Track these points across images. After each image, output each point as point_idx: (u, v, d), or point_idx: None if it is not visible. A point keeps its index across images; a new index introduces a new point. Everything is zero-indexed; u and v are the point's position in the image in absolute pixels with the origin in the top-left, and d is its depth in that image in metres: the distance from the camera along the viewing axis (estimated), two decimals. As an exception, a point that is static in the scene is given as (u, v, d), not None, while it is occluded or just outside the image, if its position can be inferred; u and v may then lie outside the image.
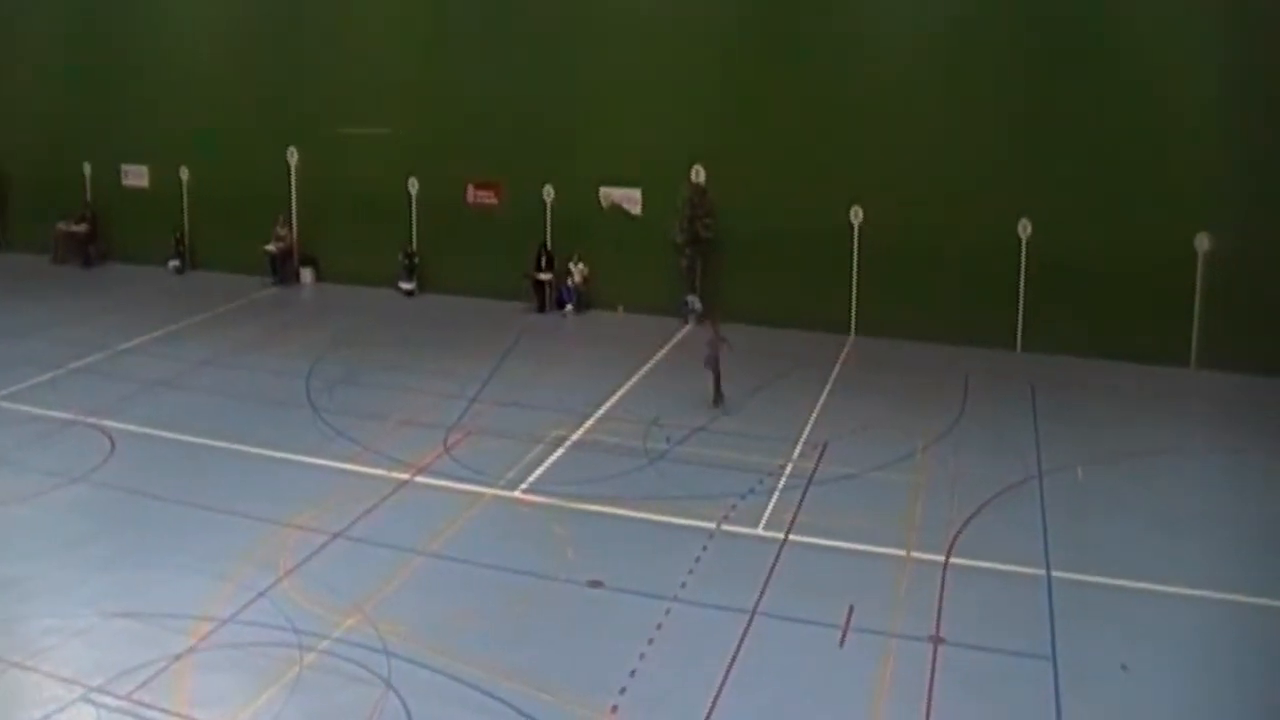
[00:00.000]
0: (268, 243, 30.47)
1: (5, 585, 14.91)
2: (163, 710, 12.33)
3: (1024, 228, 24.09)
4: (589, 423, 20.16)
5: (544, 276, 27.65)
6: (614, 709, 12.29)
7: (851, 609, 14.10)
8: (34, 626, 13.91)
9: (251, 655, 13.29)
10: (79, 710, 12.37)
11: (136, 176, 32.98)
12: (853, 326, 25.43)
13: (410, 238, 29.37)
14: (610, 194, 27.38)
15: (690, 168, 26.44)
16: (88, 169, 33.52)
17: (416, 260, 29.24)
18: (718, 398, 16.41)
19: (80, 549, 15.83)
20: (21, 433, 19.99)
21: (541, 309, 27.52)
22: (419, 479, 17.89)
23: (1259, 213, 22.57)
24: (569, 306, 27.44)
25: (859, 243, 25.27)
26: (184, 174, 32.13)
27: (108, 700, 12.50)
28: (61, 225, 33.17)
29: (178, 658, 13.24)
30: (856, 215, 25.27)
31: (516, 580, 14.89)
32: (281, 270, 30.53)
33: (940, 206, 24.43)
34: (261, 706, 12.39)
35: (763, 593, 14.55)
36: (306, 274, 30.66)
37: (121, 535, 16.21)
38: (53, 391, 22.05)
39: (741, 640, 13.53)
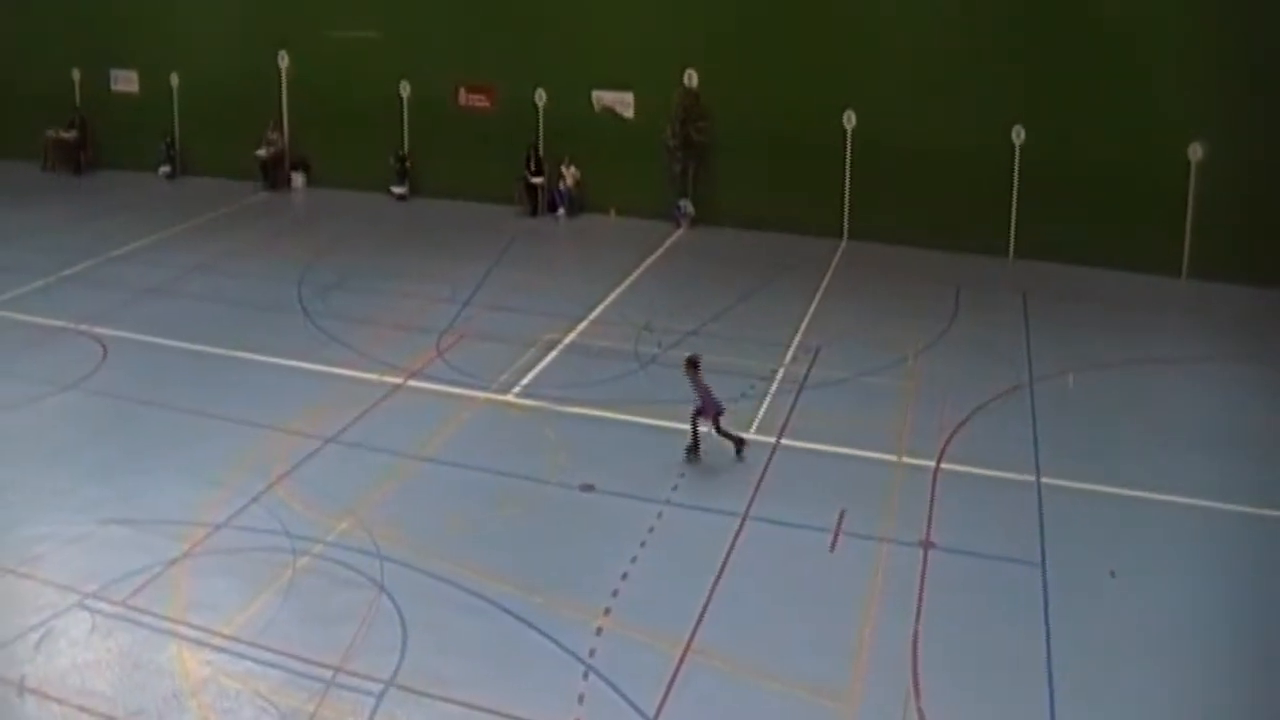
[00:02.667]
0: (259, 148, 30.01)
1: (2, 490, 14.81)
2: (158, 615, 12.27)
3: (1018, 134, 23.72)
4: (581, 326, 19.98)
5: (536, 180, 27.29)
6: (607, 611, 12.25)
7: (843, 513, 14.05)
8: (27, 534, 13.81)
9: (245, 560, 13.23)
10: (75, 616, 12.31)
11: (126, 82, 32.35)
12: (845, 231, 25.15)
13: (402, 142, 28.94)
14: (602, 97, 26.94)
15: (683, 71, 25.97)
16: (77, 75, 32.87)
17: (408, 164, 28.83)
18: (693, 452, 15.43)
19: (72, 456, 15.70)
20: (12, 340, 19.76)
21: (534, 213, 27.21)
22: (411, 383, 17.73)
23: (1250, 124, 22.18)
24: (561, 210, 27.13)
25: (852, 147, 24.91)
26: (174, 79, 31.54)
27: (103, 606, 12.44)
28: (51, 132, 32.58)
29: (172, 563, 13.16)
30: (850, 119, 24.88)
31: (509, 484, 14.79)
32: (272, 175, 30.10)
33: (935, 113, 24.03)
34: (256, 610, 12.34)
35: (754, 497, 14.48)
36: (297, 179, 30.24)
37: (113, 442, 16.07)
38: (44, 299, 21.77)
39: (733, 544, 13.49)
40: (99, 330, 20.04)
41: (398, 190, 28.79)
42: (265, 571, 12.98)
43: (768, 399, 17.14)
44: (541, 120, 27.58)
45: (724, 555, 13.25)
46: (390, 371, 18.09)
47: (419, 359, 18.59)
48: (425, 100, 28.69)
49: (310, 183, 30.13)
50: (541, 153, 27.44)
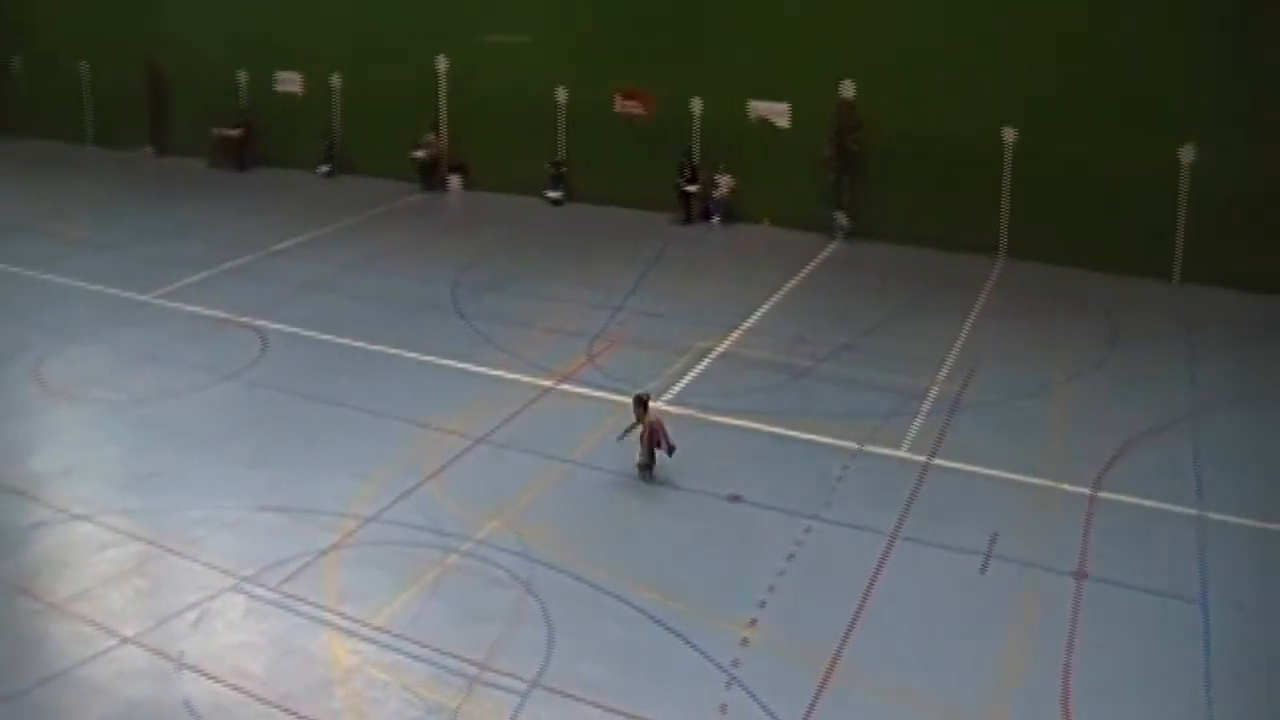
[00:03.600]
0: (416, 150, 30.65)
1: (159, 475, 15.43)
2: (310, 603, 12.62)
3: (1187, 154, 23.03)
4: (734, 336, 19.95)
5: (690, 188, 27.34)
6: (752, 623, 12.23)
7: (994, 537, 13.80)
8: (187, 516, 14.35)
9: (395, 554, 13.52)
10: (231, 598, 12.73)
11: (289, 83, 33.40)
12: (1002, 249, 24.69)
13: (557, 147, 29.28)
14: (757, 107, 26.91)
15: (839, 82, 25.80)
16: (243, 76, 34.05)
17: (564, 169, 29.15)
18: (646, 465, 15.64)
19: (230, 444, 16.27)
20: (177, 329, 20.57)
21: (687, 220, 27.25)
22: (563, 386, 17.94)
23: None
24: (715, 219, 27.13)
25: (1010, 163, 24.46)
26: (335, 81, 32.43)
27: (258, 590, 12.84)
28: (217, 130, 33.83)
29: (324, 553, 13.52)
30: (1009, 134, 24.43)
31: (657, 491, 14.87)
32: (429, 177, 30.73)
33: (1099, 130, 23.45)
34: (405, 604, 12.60)
35: (904, 516, 14.32)
36: (454, 181, 30.79)
37: (270, 432, 16.62)
38: (207, 290, 22.63)
39: (881, 562, 13.35)
40: (259, 323, 20.70)
41: (553, 195, 29.13)
42: (414, 566, 13.25)
43: (920, 417, 16.91)
44: (697, 128, 27.66)
45: (872, 574, 13.13)
46: (542, 374, 18.32)
47: (571, 363, 18.80)
48: (581, 106, 29.00)
49: (467, 185, 30.66)
50: (696, 161, 27.52)
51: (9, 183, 32.84)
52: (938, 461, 15.64)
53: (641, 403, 15.34)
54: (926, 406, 17.28)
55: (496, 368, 18.57)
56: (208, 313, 21.31)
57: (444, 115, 30.93)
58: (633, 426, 15.23)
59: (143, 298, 22.29)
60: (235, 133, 33.65)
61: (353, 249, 25.35)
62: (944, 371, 18.53)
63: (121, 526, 14.17)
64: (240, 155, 33.55)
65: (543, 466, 15.47)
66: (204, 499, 14.75)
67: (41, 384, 18.40)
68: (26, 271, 24.03)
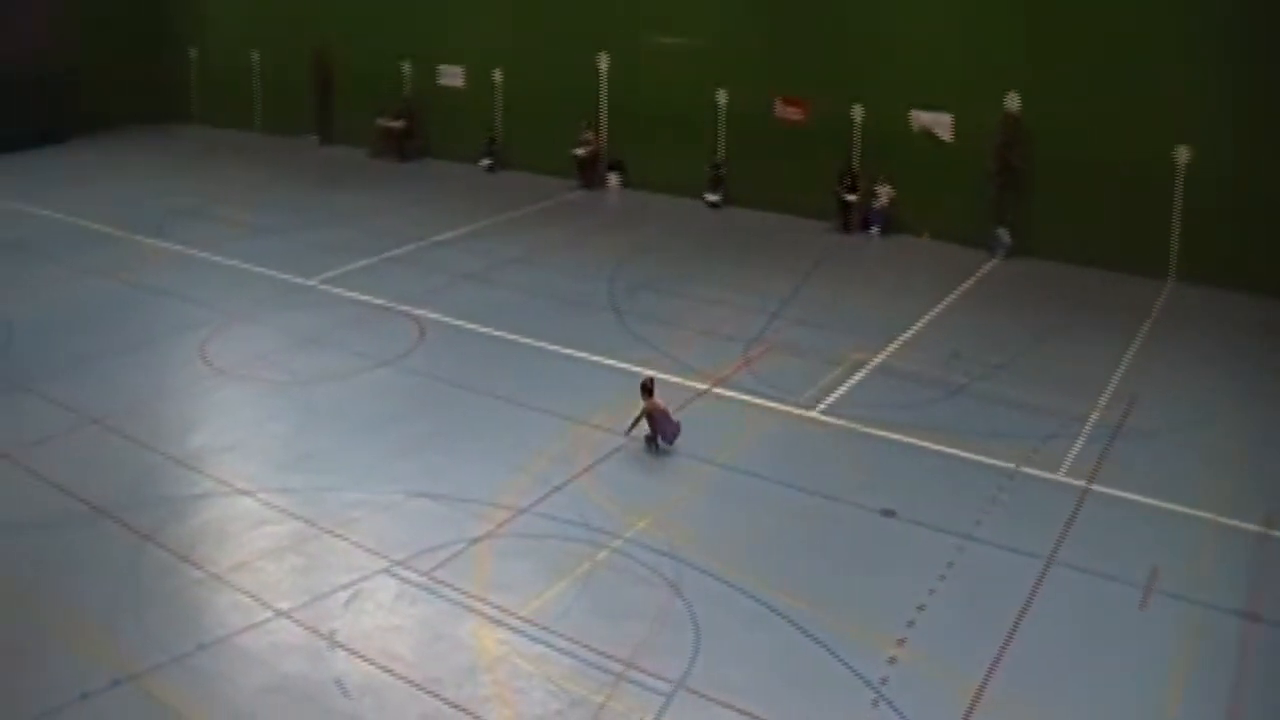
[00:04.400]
0: (576, 147, 30.96)
1: (318, 456, 15.88)
2: (460, 590, 12.84)
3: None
4: (889, 349, 19.71)
5: (850, 197, 27.09)
6: (901, 641, 12.07)
7: (1156, 571, 13.39)
8: (342, 499, 14.72)
9: (545, 546, 13.67)
10: (382, 581, 13.02)
11: (452, 77, 34.04)
12: (1171, 272, 23.96)
13: (716, 149, 29.29)
14: (920, 117, 26.55)
15: (1004, 95, 25.32)
16: (407, 68, 34.79)
17: (723, 172, 29.15)
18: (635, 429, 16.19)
19: (387, 429, 16.66)
20: (339, 315, 21.12)
21: (846, 229, 27.01)
22: (717, 390, 17.95)
23: None
24: (874, 229, 26.85)
25: (1182, 184, 23.72)
26: (497, 76, 32.94)
27: (409, 575, 13.10)
28: (380, 121, 34.64)
29: (475, 541, 13.74)
30: (1181, 155, 23.70)
31: (808, 501, 14.77)
32: (588, 174, 31.02)
33: (1277, 149, 22.61)
34: (553, 597, 12.73)
35: (1061, 541, 13.98)
36: (612, 179, 31.05)
37: (424, 419, 16.97)
38: (369, 277, 23.21)
39: (1035, 588, 13.06)
40: (417, 312, 21.14)
41: (711, 198, 29.15)
42: (564, 560, 13.38)
43: (1079, 441, 16.47)
44: (857, 137, 27.42)
45: (1026, 598, 12.85)
46: (696, 376, 18.35)
47: (725, 367, 18.79)
48: (741, 110, 28.95)
49: (624, 184, 30.90)
50: (857, 169, 27.26)
51: (184, 168, 34.10)
52: (1097, 488, 15.23)
53: (645, 389, 16.10)
54: (1087, 430, 16.83)
55: (651, 366, 18.57)
56: (369, 299, 21.84)
57: (603, 114, 31.21)
58: (640, 416, 16.02)
59: (307, 282, 22.96)
60: (398, 124, 34.43)
61: (512, 243, 25.74)
62: (1106, 396, 18.04)
63: (280, 504, 14.61)
64: (402, 146, 34.30)
65: (694, 468, 15.49)
66: (360, 482, 15.12)
67: (208, 362, 19.06)
68: (198, 253, 24.95)
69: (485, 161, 32.85)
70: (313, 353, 19.45)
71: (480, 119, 33.16)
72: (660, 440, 15.99)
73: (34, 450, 15.99)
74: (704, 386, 18.03)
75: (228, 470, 15.49)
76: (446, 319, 20.81)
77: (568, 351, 19.39)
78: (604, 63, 30.91)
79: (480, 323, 20.63)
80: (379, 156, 34.57)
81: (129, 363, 19.06)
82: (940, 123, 26.33)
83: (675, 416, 16.24)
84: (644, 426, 16.04)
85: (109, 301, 22.01)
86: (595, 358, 19.12)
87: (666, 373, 18.36)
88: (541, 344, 19.68)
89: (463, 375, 18.43)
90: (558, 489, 14.88)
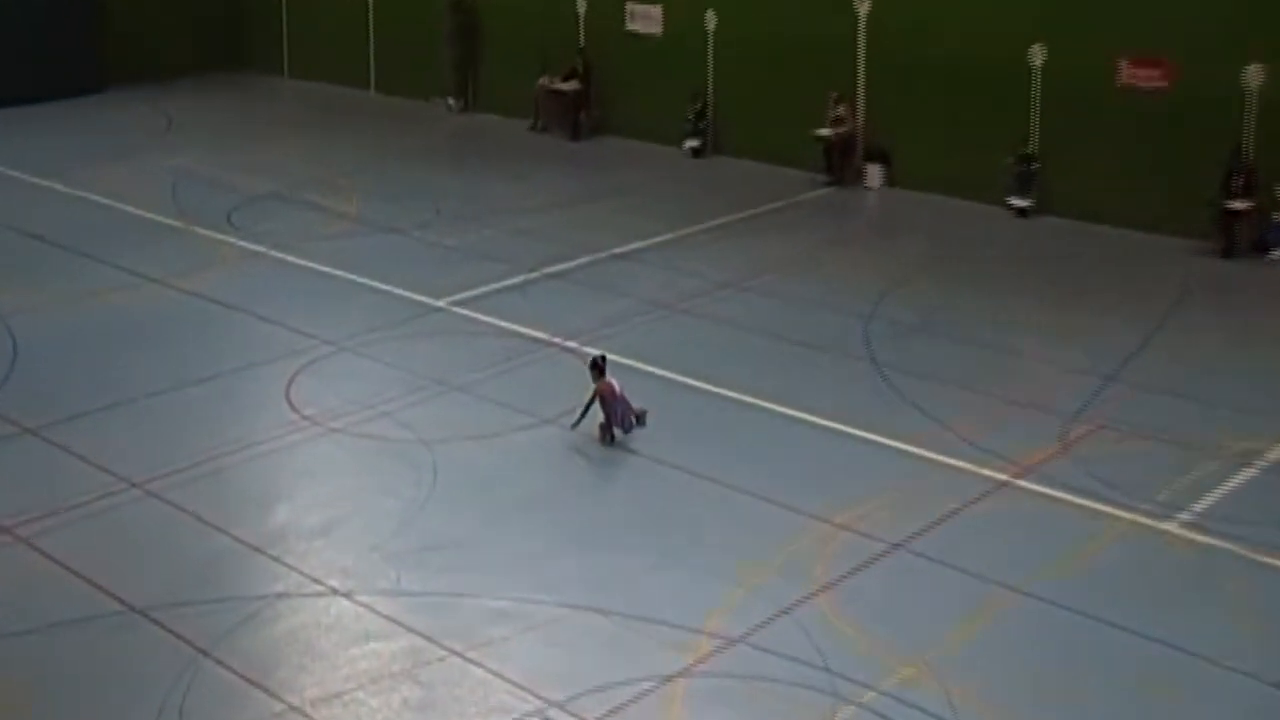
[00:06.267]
0: (822, 126, 31.09)
1: (443, 548, 16.17)
2: (642, 749, 12.92)
3: None
4: (1292, 438, 19.25)
5: (1239, 205, 26.41)
6: None
7: None
8: (480, 607, 14.93)
9: (765, 693, 13.62)
10: (533, 730, 13.17)
11: (645, 19, 34.52)
12: None
13: (1028, 133, 29.06)
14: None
15: None
16: (581, 6, 35.45)
17: (1035, 166, 28.90)
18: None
19: (544, 513, 16.90)
20: (482, 350, 21.58)
21: (1229, 251, 26.14)
22: (1022, 483, 17.70)
23: None
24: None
25: None
26: (709, 20, 33.34)
27: (570, 723, 13.23)
28: (544, 81, 35.37)
29: (665, 681, 13.77)
30: None
31: (1159, 656, 14.38)
32: (839, 165, 31.13)
33: None
34: (776, 772, 12.73)
35: None
36: (873, 173, 31.12)
37: (603, 503, 17.24)
38: (522, 300, 23.77)
39: None
40: (590, 351, 21.29)
41: (1018, 202, 28.92)
42: (793, 715, 13.32)
43: None
44: (1251, 116, 26.84)
45: None
46: (991, 462, 18.14)
47: (1035, 450, 18.53)
48: (1066, 73, 28.59)
49: (889, 180, 30.96)
50: (1251, 163, 26.54)
51: (266, 137, 35.52)
52: None
53: (595, 367, 18.34)
54: None
55: (923, 445, 18.52)
56: (521, 330, 22.27)
57: (862, 80, 31.34)
58: (591, 400, 18.16)
59: (435, 302, 23.56)
60: (568, 86, 35.03)
61: (726, 259, 25.99)
62: None
63: (391, 611, 14.87)
64: (575, 117, 34.90)
65: (985, 594, 15.27)
66: (506, 585, 15.31)
67: (296, 408, 19.64)
68: (283, 255, 25.86)
69: (691, 143, 33.30)
70: (441, 401, 19.89)
71: (685, 81, 33.55)
72: (616, 428, 17.94)
73: (46, 524, 16.58)
74: (1002, 477, 17.81)
75: (319, 561, 15.86)
76: (630, 363, 20.91)
77: (803, 417, 19.40)
78: (864, 6, 31.06)
79: (677, 370, 20.81)
80: (541, 131, 35.31)
81: (184, 405, 19.77)
82: None
83: (637, 404, 18.34)
84: (597, 415, 17.94)
85: (158, 319, 22.96)
86: (843, 428, 19.07)
87: (948, 454, 18.26)
88: (765, 404, 19.75)
89: (654, 442, 18.56)
90: (785, 612, 14.82)
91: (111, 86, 39.20)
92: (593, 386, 18.45)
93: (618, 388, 18.57)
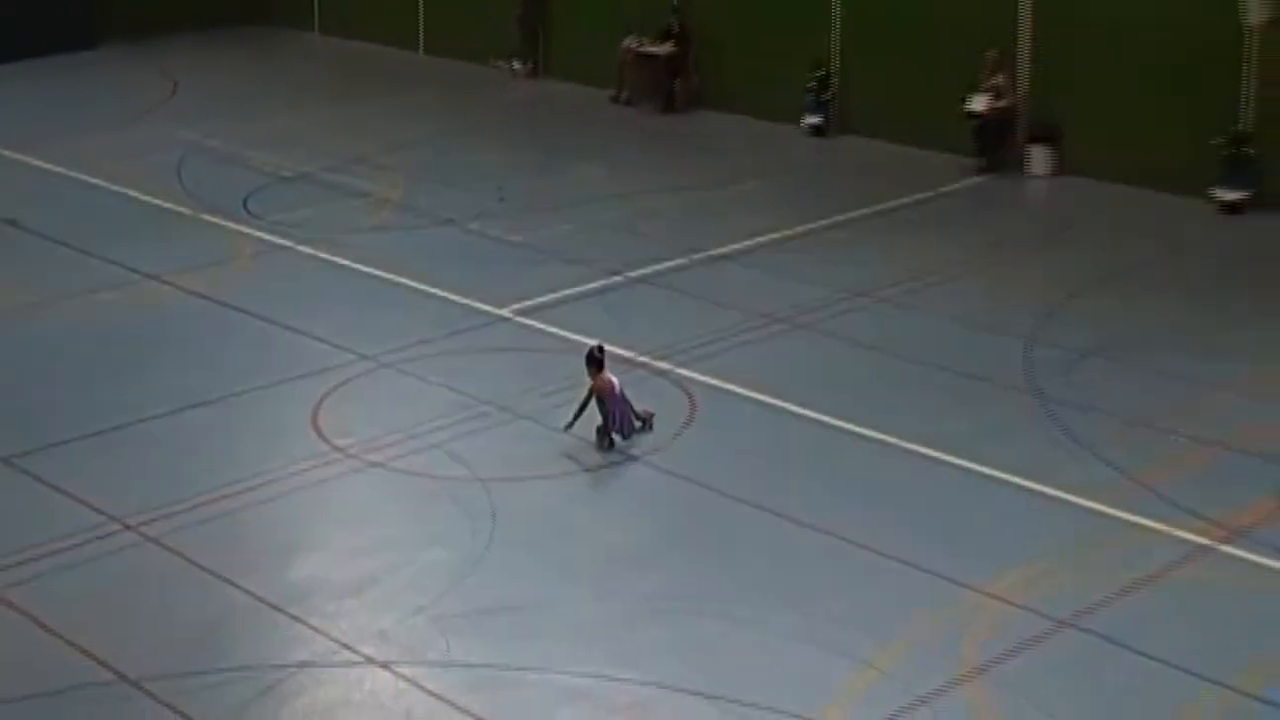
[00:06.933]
0: (974, 99, 31.00)
1: (502, 611, 16.14)
2: None
3: None
4: None
5: None
6: None
7: None
8: (549, 684, 14.90)
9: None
10: None
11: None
12: None
13: (1237, 107, 28.80)
14: None
15: None
16: (678, -47, 35.57)
17: (1249, 151, 28.54)
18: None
19: (628, 569, 16.84)
20: (553, 370, 21.53)
21: None
22: (1228, 548, 17.48)
23: None
24: None
25: None
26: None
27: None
28: (631, 43, 35.54)
29: (780, 789, 13.76)
30: None
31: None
32: (995, 147, 31.04)
33: None
34: None
35: None
36: (1039, 157, 30.98)
37: (693, 559, 17.07)
38: (601, 310, 23.86)
39: None
40: (683, 371, 21.44)
41: (1225, 195, 28.58)
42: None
43: None
44: None
45: None
46: (1188, 522, 17.91)
47: (1246, 508, 18.26)
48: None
49: (1060, 165, 30.82)
50: None
51: (293, 105, 35.80)
52: None
53: (593, 360, 19.15)
54: None
55: (1100, 498, 18.35)
56: (611, 349, 22.12)
57: (1026, 41, 31.27)
58: (587, 399, 19.07)
59: (496, 311, 23.66)
60: (661, 49, 35.12)
61: (855, 264, 25.98)
62: None
63: (439, 687, 14.83)
64: (668, 86, 35.00)
65: (1178, 690, 15.10)
66: (582, 657, 15.25)
67: (325, 437, 19.71)
68: (313, 250, 26.02)
69: (810, 119, 33.32)
70: (503, 431, 19.94)
71: (803, 44, 33.67)
72: (615, 433, 18.65)
73: (19, 574, 16.65)
74: (1202, 540, 17.60)
75: (351, 624, 15.83)
76: (734, 389, 21.06)
77: (948, 460, 19.28)
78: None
79: (794, 400, 20.72)
80: (626, 103, 35.46)
81: (189, 431, 19.92)
82: None
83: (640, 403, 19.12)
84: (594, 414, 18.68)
85: (157, 326, 23.22)
86: (1000, 474, 18.92)
87: (1133, 510, 18.10)
88: (901, 443, 19.64)
89: (758, 484, 18.50)
90: (923, 701, 14.69)
91: (106, 41, 39.53)
92: (589, 383, 19.15)
93: (618, 385, 19.38)
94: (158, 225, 27.30)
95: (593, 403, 19.35)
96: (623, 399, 19.37)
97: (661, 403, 20.47)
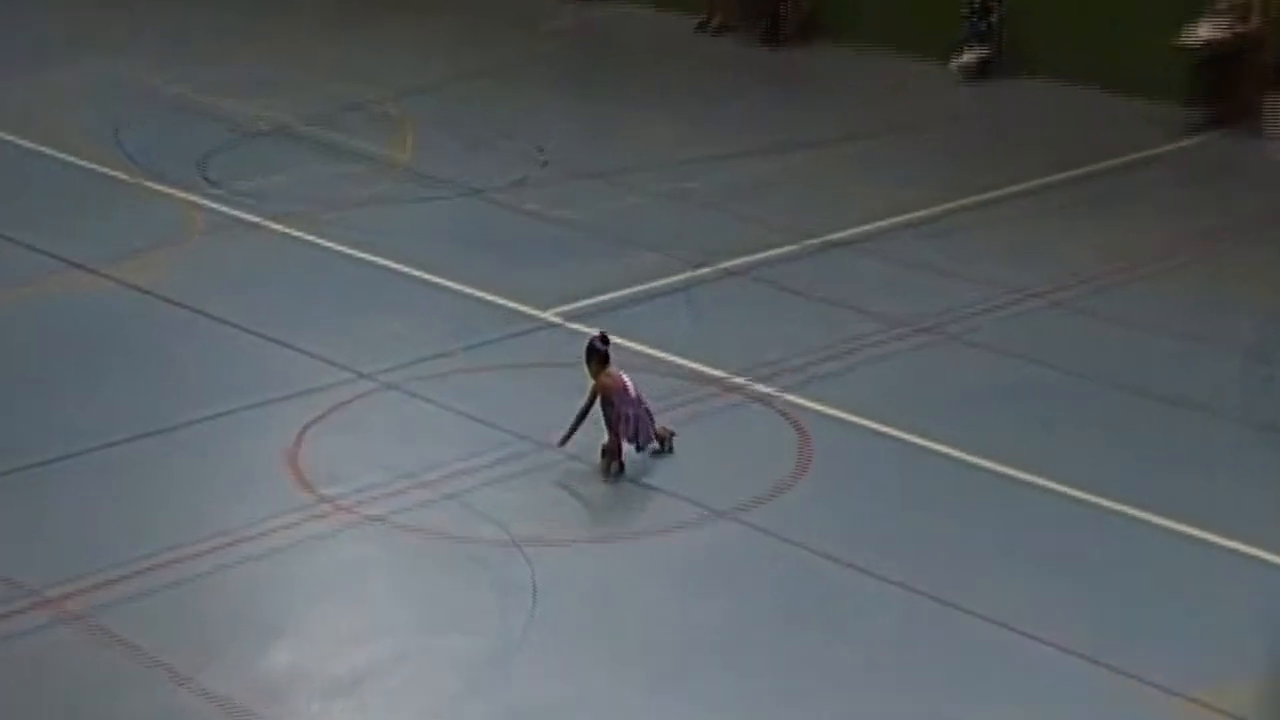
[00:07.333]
0: (1194, 30, 31.02)
1: (552, 709, 16.10)
2: None
3: None
4: None
5: None
6: None
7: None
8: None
9: None
10: None
11: None
12: None
13: None
14: None
15: None
16: None
17: None
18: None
19: (715, 666, 16.78)
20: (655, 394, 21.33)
21: None
22: None
23: None
24: None
25: None
26: None
27: None
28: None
29: None
30: None
31: None
32: (1227, 93, 31.11)
33: None
34: None
35: None
36: (1282, 108, 30.98)
37: (791, 646, 17.05)
38: (674, 313, 24.13)
39: None
40: (791, 398, 21.42)
41: None
42: None
43: None
44: None
45: None
46: None
47: None
48: None
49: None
50: None
51: (269, 35, 36.51)
52: None
53: (595, 352, 19.65)
54: None
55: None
56: (679, 361, 22.45)
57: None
58: (588, 404, 19.54)
59: (537, 314, 23.90)
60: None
61: (1028, 253, 26.18)
62: None
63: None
64: (774, 10, 35.33)
65: None
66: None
67: (308, 482, 19.82)
68: (285, 228, 26.20)
69: (967, 56, 33.62)
70: (544, 476, 20.00)
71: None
72: (628, 440, 19.52)
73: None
74: None
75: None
76: (860, 421, 21.15)
77: (1150, 519, 19.24)
78: None
79: (944, 439, 20.71)
80: (717, 32, 35.71)
81: (128, 472, 19.96)
82: None
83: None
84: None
85: (89, 331, 23.33)
86: (1219, 540, 18.87)
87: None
88: (1089, 497, 19.60)
89: (894, 555, 18.49)
90: None
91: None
92: (591, 383, 19.40)
93: (631, 386, 19.50)
94: (86, 197, 27.49)
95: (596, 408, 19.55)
96: (639, 400, 19.57)
97: (760, 439, 20.63)
